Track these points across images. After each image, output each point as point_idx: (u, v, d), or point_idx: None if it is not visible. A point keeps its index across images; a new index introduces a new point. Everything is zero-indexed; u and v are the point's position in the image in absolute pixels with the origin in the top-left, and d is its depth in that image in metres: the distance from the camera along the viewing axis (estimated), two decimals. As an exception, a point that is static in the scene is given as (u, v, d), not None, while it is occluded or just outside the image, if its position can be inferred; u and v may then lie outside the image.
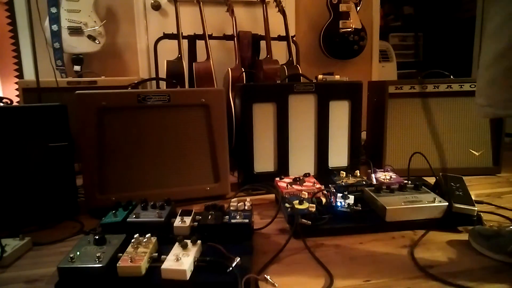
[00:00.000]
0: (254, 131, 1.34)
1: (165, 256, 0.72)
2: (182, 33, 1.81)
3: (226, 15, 1.94)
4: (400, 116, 1.48)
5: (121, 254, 0.73)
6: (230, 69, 1.74)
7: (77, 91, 1.09)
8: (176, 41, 1.79)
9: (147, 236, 0.78)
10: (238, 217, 0.90)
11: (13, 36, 2.01)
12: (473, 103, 1.45)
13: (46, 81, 1.52)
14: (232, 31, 1.89)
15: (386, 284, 0.72)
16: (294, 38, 2.12)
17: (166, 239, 0.83)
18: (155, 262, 0.73)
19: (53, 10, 1.78)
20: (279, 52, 2.30)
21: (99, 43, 1.92)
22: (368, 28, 2.43)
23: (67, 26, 1.84)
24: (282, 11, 1.96)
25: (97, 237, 0.77)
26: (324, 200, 1.07)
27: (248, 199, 0.99)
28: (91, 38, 1.89)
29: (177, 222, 0.89)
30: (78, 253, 0.72)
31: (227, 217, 0.91)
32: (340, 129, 1.42)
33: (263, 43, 2.01)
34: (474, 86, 1.45)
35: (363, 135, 1.57)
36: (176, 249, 0.73)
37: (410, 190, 1.06)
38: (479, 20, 2.72)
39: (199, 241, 0.77)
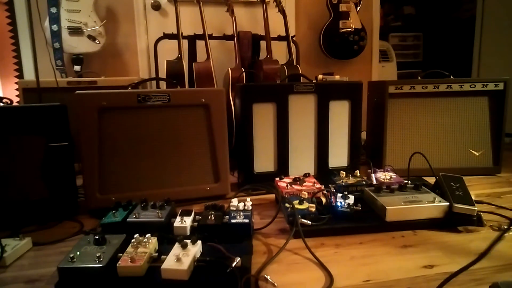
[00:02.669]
0: (254, 131, 1.34)
1: (165, 256, 0.72)
2: (182, 33, 1.81)
3: (226, 15, 1.94)
4: (400, 116, 1.48)
5: (121, 254, 0.73)
6: (230, 69, 1.74)
7: (77, 91, 1.09)
8: (176, 41, 1.78)
9: (147, 236, 0.78)
10: (238, 217, 0.90)
11: (13, 36, 2.01)
12: (473, 103, 1.47)
13: (46, 81, 1.52)
14: (232, 31, 1.89)
15: (386, 284, 0.72)
16: (294, 38, 2.12)
17: (166, 239, 0.84)
18: (155, 262, 0.73)
19: (53, 10, 1.78)
20: (279, 52, 2.30)
21: (99, 43, 1.92)
22: (368, 28, 2.43)
23: (67, 26, 1.84)
24: (282, 11, 1.96)
25: (97, 237, 0.77)
26: (324, 200, 1.07)
27: (248, 199, 0.99)
28: (91, 38, 1.89)
29: (177, 222, 0.89)
30: (78, 253, 0.73)
31: (227, 217, 0.91)
32: (340, 129, 1.42)
33: (263, 43, 2.01)
34: (474, 86, 1.45)
35: (363, 135, 1.57)
36: (176, 249, 0.73)
37: (410, 190, 1.06)
38: (479, 20, 2.71)
39: (199, 241, 0.77)
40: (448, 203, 0.96)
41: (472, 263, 0.55)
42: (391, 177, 1.24)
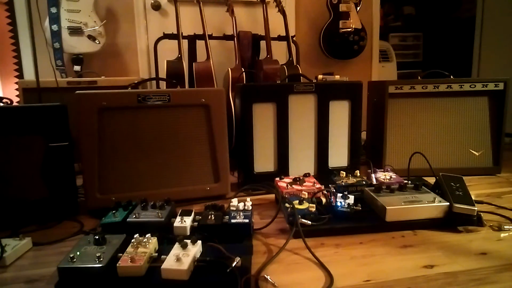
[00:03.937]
0: (254, 131, 1.34)
1: (165, 256, 0.72)
2: (182, 33, 1.81)
3: (226, 15, 1.94)
4: (400, 116, 1.48)
5: (121, 254, 0.73)
6: (230, 69, 1.74)
7: (77, 91, 1.09)
8: (176, 41, 1.78)
9: (147, 236, 0.78)
10: (238, 217, 0.90)
11: (13, 36, 2.01)
12: (473, 103, 1.47)
13: (46, 81, 1.52)
14: (232, 31, 1.89)
15: (386, 284, 0.72)
16: (294, 38, 2.12)
17: (166, 239, 0.84)
18: (155, 262, 0.73)
19: (53, 10, 1.78)
20: (279, 52, 2.30)
21: (99, 43, 1.92)
22: (368, 28, 2.43)
23: (67, 26, 1.84)
24: (282, 11, 1.96)
25: (97, 237, 0.77)
26: (324, 200, 1.07)
27: (248, 199, 0.99)
28: (91, 38, 1.89)
29: (177, 222, 0.89)
30: (78, 253, 0.73)
31: (227, 217, 0.91)
32: (340, 129, 1.42)
33: (263, 43, 2.01)
34: (474, 86, 1.45)
35: (363, 135, 1.57)
36: (176, 249, 0.73)
37: (410, 190, 1.06)
38: (479, 20, 2.71)
39: (199, 241, 0.77)
40: (448, 203, 0.96)
41: None
42: (391, 177, 1.24)
